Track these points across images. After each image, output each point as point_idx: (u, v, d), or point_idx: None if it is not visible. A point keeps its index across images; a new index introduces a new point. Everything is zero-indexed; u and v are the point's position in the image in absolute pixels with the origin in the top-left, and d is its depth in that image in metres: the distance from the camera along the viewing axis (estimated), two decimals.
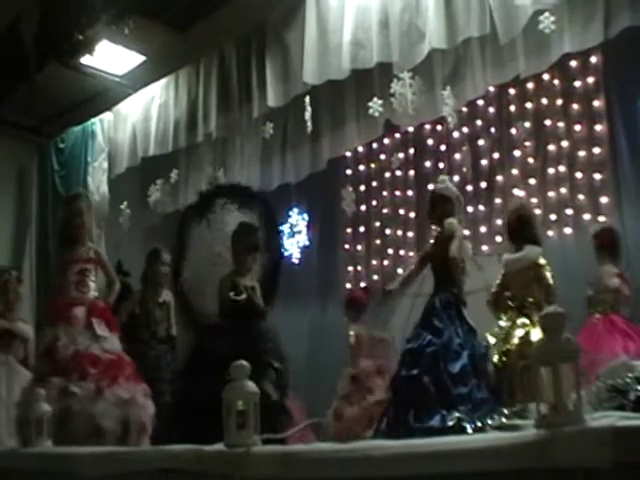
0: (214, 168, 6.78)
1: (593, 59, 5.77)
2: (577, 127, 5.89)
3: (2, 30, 6.17)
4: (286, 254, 7.28)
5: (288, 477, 2.32)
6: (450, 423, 3.24)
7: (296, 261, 7.41)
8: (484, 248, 6.22)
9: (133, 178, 7.24)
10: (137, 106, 7.05)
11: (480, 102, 6.23)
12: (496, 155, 6.33)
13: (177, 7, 5.95)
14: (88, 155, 7.48)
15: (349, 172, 7.31)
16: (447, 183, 4.22)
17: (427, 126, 6.68)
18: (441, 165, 6.71)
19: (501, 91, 6.17)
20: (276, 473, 2.33)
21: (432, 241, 4.20)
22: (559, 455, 1.80)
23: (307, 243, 7.44)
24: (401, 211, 6.97)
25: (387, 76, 5.32)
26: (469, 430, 3.06)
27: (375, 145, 7.06)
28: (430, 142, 6.82)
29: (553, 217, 5.88)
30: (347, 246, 7.27)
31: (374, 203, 7.16)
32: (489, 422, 2.94)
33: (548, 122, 6.04)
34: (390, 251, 6.98)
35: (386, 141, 7.00)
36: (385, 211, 7.08)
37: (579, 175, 5.85)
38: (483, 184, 6.37)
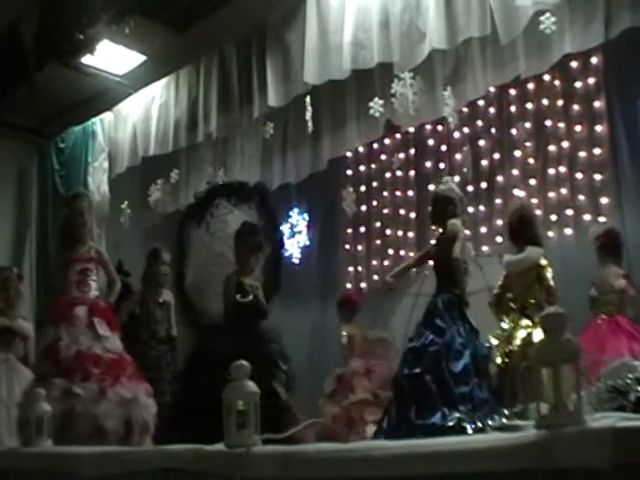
0: (214, 168, 6.79)
1: (594, 60, 5.76)
2: (578, 128, 5.89)
3: (2, 30, 6.16)
4: (286, 254, 7.29)
5: (288, 477, 2.32)
6: (450, 423, 3.25)
7: (296, 261, 7.40)
8: (484, 249, 6.22)
9: (133, 178, 7.24)
10: (137, 106, 7.04)
11: (481, 102, 6.23)
12: (497, 155, 6.33)
13: (177, 7, 5.94)
14: (88, 155, 7.47)
15: (350, 172, 7.29)
16: (450, 184, 4.23)
17: (428, 126, 6.67)
18: (442, 165, 6.71)
19: (502, 91, 6.17)
20: (276, 473, 2.33)
21: (434, 242, 4.20)
22: (559, 456, 1.79)
23: (307, 243, 7.43)
24: (402, 211, 6.97)
25: (388, 76, 5.31)
26: (469, 430, 3.06)
27: (376, 145, 7.05)
28: (431, 142, 6.82)
29: (553, 218, 5.88)
30: (347, 246, 7.26)
31: (374, 203, 7.15)
32: (489, 422, 2.95)
33: (549, 122, 6.04)
34: (390, 251, 6.97)
35: (387, 141, 6.99)
36: (385, 211, 7.08)
37: (579, 176, 5.85)
38: (484, 184, 6.37)
